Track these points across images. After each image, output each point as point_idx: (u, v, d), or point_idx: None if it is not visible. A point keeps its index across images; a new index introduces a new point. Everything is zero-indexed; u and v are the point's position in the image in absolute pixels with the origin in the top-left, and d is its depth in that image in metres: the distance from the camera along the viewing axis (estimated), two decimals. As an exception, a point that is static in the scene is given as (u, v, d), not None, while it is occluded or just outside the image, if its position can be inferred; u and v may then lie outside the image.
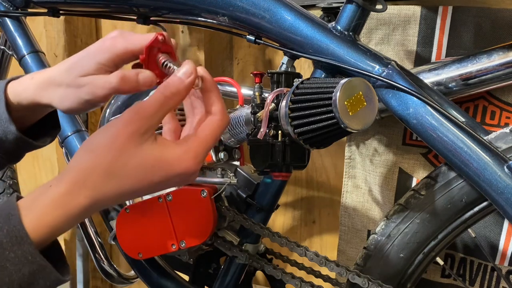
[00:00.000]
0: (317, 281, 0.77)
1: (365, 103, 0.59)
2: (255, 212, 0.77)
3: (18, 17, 1.00)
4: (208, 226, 0.73)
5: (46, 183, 0.48)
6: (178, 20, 0.86)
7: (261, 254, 0.82)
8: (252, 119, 0.71)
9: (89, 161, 0.48)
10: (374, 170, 0.97)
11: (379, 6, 0.71)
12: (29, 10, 0.99)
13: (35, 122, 0.66)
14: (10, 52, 1.13)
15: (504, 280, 0.88)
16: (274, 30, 0.71)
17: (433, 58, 0.89)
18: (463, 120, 0.68)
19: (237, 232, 0.79)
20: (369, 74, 0.66)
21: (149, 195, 0.74)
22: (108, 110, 0.99)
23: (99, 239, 1.06)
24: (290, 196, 1.36)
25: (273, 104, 0.67)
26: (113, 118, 0.87)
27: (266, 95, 0.69)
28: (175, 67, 0.55)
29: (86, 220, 1.05)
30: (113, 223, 0.89)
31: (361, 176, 1.00)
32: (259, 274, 1.09)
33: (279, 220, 1.39)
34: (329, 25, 0.71)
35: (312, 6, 0.87)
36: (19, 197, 0.48)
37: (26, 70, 0.99)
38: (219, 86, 1.08)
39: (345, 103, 0.57)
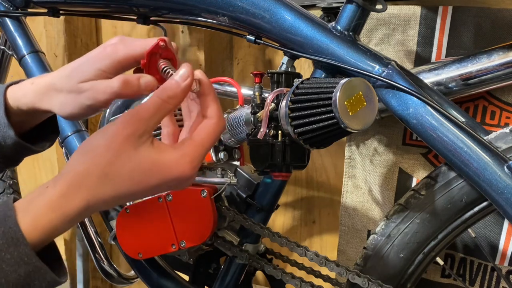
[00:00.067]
0: (317, 281, 0.77)
1: (365, 103, 0.59)
2: (255, 212, 0.77)
3: (18, 17, 1.00)
4: (208, 226, 0.73)
5: (43, 184, 0.48)
6: (178, 20, 0.86)
7: (261, 254, 0.82)
8: (252, 119, 0.71)
9: (86, 163, 0.48)
10: (374, 170, 0.97)
11: (379, 6, 0.71)
12: (29, 10, 0.99)
13: (34, 127, 0.66)
14: (10, 52, 1.13)
15: (504, 280, 0.88)
16: (274, 30, 0.71)
17: (433, 58, 0.89)
18: (463, 120, 0.68)
19: (237, 232, 0.79)
20: (369, 74, 0.66)
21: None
22: (108, 110, 0.99)
23: (99, 239, 1.06)
24: (290, 196, 1.36)
25: (273, 104, 0.67)
26: (113, 118, 0.87)
27: (266, 95, 0.69)
28: (174, 73, 0.55)
29: (86, 220, 1.05)
30: (113, 223, 0.89)
31: (361, 176, 1.00)
32: (259, 274, 1.09)
33: (279, 220, 1.39)
34: (329, 25, 0.71)
35: (312, 6, 0.87)
36: (15, 199, 0.48)
37: (26, 70, 0.99)
38: (219, 86, 1.09)
39: (345, 103, 0.57)
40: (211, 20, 0.78)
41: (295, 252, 0.73)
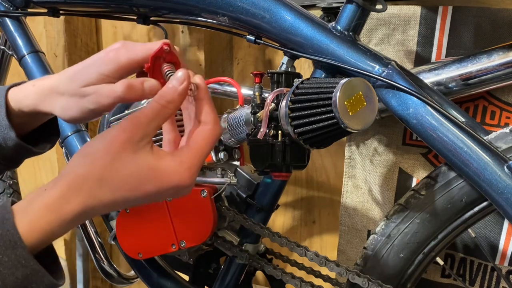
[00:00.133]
0: (317, 281, 0.77)
1: (365, 103, 0.59)
2: (255, 212, 0.77)
3: (18, 17, 1.00)
4: (208, 226, 0.73)
5: (42, 187, 0.49)
6: (178, 20, 0.86)
7: (261, 254, 0.82)
8: (252, 119, 0.71)
9: (85, 166, 0.48)
10: (374, 170, 0.97)
11: (379, 6, 0.71)
12: (29, 10, 0.99)
13: (34, 129, 0.66)
14: (10, 52, 1.13)
15: (504, 280, 0.88)
16: (274, 30, 0.71)
17: (433, 58, 0.89)
18: (463, 120, 0.68)
19: (237, 232, 0.79)
20: (369, 74, 0.66)
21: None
22: (108, 110, 0.98)
23: (99, 239, 1.06)
24: (290, 196, 1.36)
25: (273, 104, 0.67)
26: (113, 118, 0.87)
27: (266, 95, 0.69)
28: None
29: (86, 220, 1.05)
30: (113, 223, 0.89)
31: (361, 176, 1.00)
32: (259, 274, 1.09)
33: (279, 220, 1.39)
34: (329, 25, 0.71)
35: (312, 6, 0.87)
36: (13, 201, 0.48)
37: (26, 70, 0.99)
38: (219, 86, 1.08)
39: (345, 103, 0.57)
40: (211, 20, 0.78)
41: (295, 252, 0.73)
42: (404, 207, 0.73)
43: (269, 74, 0.72)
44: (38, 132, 0.67)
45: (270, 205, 0.77)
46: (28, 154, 0.66)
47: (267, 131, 0.67)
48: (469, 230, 0.82)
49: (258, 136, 0.67)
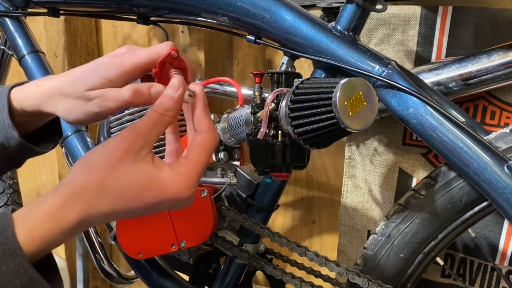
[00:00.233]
0: (317, 281, 0.77)
1: (365, 103, 0.59)
2: (255, 212, 0.77)
3: (18, 17, 1.00)
4: (208, 226, 0.73)
5: (42, 196, 0.49)
6: (178, 20, 0.86)
7: (261, 254, 0.82)
8: (252, 119, 0.71)
9: (84, 176, 0.49)
10: (374, 170, 0.97)
11: (379, 6, 0.71)
12: (29, 10, 0.99)
13: (37, 128, 0.66)
14: (10, 52, 1.13)
15: (504, 280, 0.88)
16: (274, 30, 0.71)
17: (433, 58, 0.89)
18: (463, 120, 0.68)
19: (237, 232, 0.79)
20: (369, 74, 0.66)
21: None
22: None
23: (99, 239, 1.06)
24: (290, 196, 1.36)
25: (273, 104, 0.67)
26: (112, 117, 0.87)
27: (266, 95, 0.69)
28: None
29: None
30: (113, 223, 0.89)
31: (361, 176, 1.00)
32: (259, 274, 1.09)
33: (279, 220, 1.39)
34: (329, 25, 0.71)
35: (312, 6, 0.87)
36: (14, 209, 0.48)
37: (26, 70, 0.99)
38: (219, 86, 1.08)
39: (345, 103, 0.57)
40: (211, 20, 0.78)
41: (295, 252, 0.73)
42: (404, 207, 0.73)
43: (269, 74, 0.72)
44: (41, 131, 0.67)
45: (270, 205, 0.77)
46: (31, 154, 0.66)
47: (267, 131, 0.67)
48: (469, 230, 0.82)
49: (258, 136, 0.67)
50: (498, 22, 0.83)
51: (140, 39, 1.43)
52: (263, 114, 0.67)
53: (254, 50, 1.32)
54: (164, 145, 0.60)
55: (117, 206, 0.49)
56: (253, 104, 0.71)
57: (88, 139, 0.98)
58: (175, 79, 0.53)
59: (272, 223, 1.39)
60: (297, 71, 0.75)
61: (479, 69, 0.78)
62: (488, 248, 0.88)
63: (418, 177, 0.93)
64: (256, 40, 0.74)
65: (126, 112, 0.84)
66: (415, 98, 0.65)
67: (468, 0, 0.83)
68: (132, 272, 1.08)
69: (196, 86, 0.54)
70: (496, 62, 0.77)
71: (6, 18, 1.00)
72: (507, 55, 0.76)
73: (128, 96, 0.54)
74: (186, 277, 0.90)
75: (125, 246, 0.79)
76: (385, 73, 0.67)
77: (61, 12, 0.93)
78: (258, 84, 0.72)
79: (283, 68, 0.74)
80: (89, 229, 1.06)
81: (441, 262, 0.88)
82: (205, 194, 0.72)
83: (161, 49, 0.55)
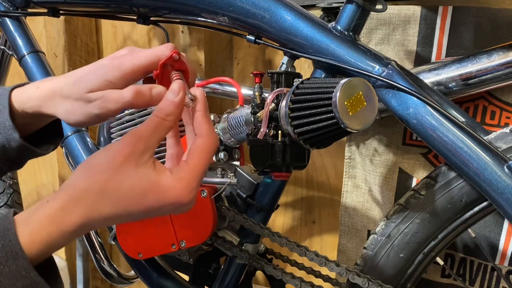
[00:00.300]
0: (317, 281, 0.77)
1: (365, 103, 0.59)
2: (255, 212, 0.77)
3: (18, 17, 1.00)
4: (208, 226, 0.73)
5: (44, 198, 0.49)
6: (178, 20, 0.86)
7: (261, 254, 0.82)
8: (252, 119, 0.71)
9: (86, 179, 0.49)
10: (374, 170, 0.97)
11: (379, 6, 0.71)
12: (29, 10, 0.99)
13: (38, 130, 0.66)
14: (10, 52, 1.13)
15: (504, 280, 0.88)
16: (274, 30, 0.71)
17: (433, 58, 0.89)
18: (463, 120, 0.68)
19: (237, 232, 0.79)
20: (369, 74, 0.66)
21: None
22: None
23: (99, 239, 1.06)
24: (290, 196, 1.36)
25: (273, 104, 0.67)
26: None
27: (266, 95, 0.69)
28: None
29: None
30: (113, 223, 0.89)
31: (361, 176, 1.00)
32: (259, 274, 1.09)
33: (279, 220, 1.39)
34: (329, 25, 0.71)
35: (312, 6, 0.87)
36: (16, 212, 0.49)
37: (26, 70, 0.99)
38: (219, 86, 1.08)
39: (345, 103, 0.57)
40: (211, 20, 0.78)
41: (295, 252, 0.73)
42: (404, 207, 0.73)
43: (269, 74, 0.72)
44: (42, 133, 0.67)
45: (270, 205, 0.77)
46: (32, 155, 0.66)
47: (267, 131, 0.67)
48: (469, 230, 0.82)
49: (258, 136, 0.67)
50: (498, 22, 0.83)
51: (140, 39, 1.43)
52: (263, 114, 0.67)
53: (254, 50, 1.32)
54: (165, 150, 0.60)
55: (119, 209, 0.49)
56: (253, 104, 0.71)
57: (88, 139, 0.98)
58: (176, 83, 0.53)
59: (272, 223, 1.39)
60: (297, 71, 0.75)
61: (479, 69, 0.78)
62: (488, 248, 0.88)
63: (418, 177, 0.93)
64: (256, 40, 0.74)
65: (126, 112, 0.84)
66: (415, 98, 0.65)
67: (468, 0, 0.83)
68: (132, 272, 1.08)
69: (197, 90, 0.54)
70: (496, 62, 0.77)
71: (6, 18, 1.00)
72: (507, 55, 0.76)
73: (129, 97, 0.54)
74: (186, 277, 0.90)
75: (125, 246, 0.79)
76: (385, 73, 0.67)
77: (61, 12, 0.93)
78: (258, 84, 0.72)
79: (283, 68, 0.74)
80: (89, 229, 1.05)
81: (441, 262, 0.88)
82: (205, 194, 0.72)
83: (161, 51, 0.55)
